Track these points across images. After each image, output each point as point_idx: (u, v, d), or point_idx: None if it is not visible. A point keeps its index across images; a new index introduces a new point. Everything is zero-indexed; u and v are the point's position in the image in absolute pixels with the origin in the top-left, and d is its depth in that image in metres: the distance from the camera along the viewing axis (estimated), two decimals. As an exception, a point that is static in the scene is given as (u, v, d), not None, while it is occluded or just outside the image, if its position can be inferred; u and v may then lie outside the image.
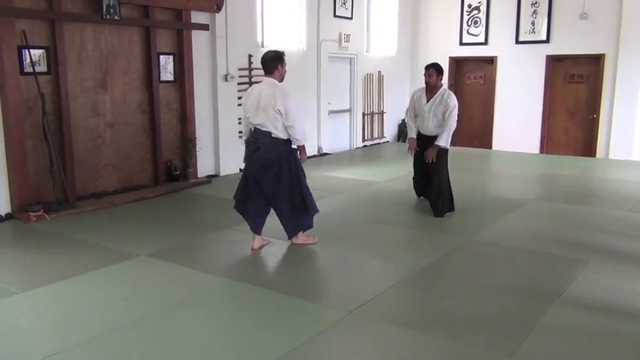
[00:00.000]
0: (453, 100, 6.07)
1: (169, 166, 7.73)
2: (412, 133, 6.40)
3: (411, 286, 4.35)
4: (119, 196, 6.90)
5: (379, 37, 11.82)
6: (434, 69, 6.12)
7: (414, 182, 6.74)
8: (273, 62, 4.82)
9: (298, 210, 4.96)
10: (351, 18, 10.84)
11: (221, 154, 8.47)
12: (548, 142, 11.57)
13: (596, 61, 10.82)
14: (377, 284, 4.33)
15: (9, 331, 3.54)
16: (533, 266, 4.71)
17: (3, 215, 6.03)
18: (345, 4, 10.62)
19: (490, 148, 12.01)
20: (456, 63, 12.41)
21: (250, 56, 8.77)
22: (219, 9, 8.06)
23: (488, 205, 6.73)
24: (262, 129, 4.78)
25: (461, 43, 12.20)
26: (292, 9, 9.64)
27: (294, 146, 4.93)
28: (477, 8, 11.89)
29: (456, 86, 12.50)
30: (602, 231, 5.68)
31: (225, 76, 8.36)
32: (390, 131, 12.63)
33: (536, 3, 11.16)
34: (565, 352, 3.28)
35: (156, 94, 7.45)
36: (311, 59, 10.04)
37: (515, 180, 8.38)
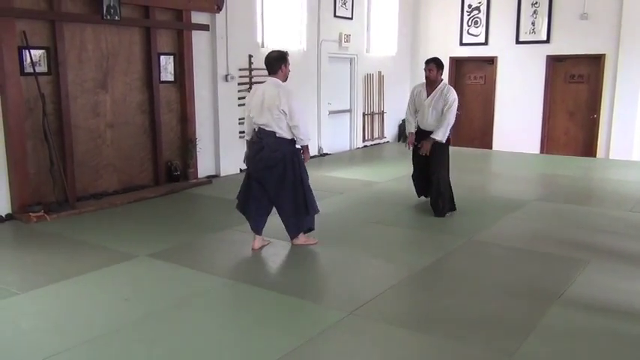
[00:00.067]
0: (453, 95, 6.05)
1: (170, 167, 7.73)
2: (411, 128, 6.39)
3: (412, 286, 4.35)
4: (119, 197, 6.91)
5: (379, 38, 11.82)
6: (434, 63, 6.12)
7: (413, 180, 6.70)
8: (277, 62, 4.83)
9: (300, 210, 4.96)
10: (352, 18, 10.84)
11: (221, 155, 8.48)
12: (549, 143, 11.57)
13: (596, 61, 10.82)
14: (377, 284, 4.33)
15: (9, 332, 3.54)
16: (534, 266, 4.71)
17: (3, 216, 6.03)
18: (345, 4, 10.62)
19: (490, 148, 12.01)
20: (456, 63, 12.41)
21: (250, 56, 8.77)
22: (219, 9, 8.06)
23: (489, 206, 6.73)
24: (267, 129, 4.78)
25: (461, 44, 12.21)
26: (292, 9, 9.64)
27: (298, 146, 4.94)
28: (477, 8, 11.89)
29: (456, 86, 12.40)
30: (603, 231, 5.68)
31: (226, 76, 8.36)
32: (391, 131, 12.63)
33: (536, 3, 11.16)
34: (565, 353, 3.28)
35: (156, 94, 7.46)
36: (311, 59, 10.04)
37: (515, 180, 8.38)
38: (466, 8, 12.03)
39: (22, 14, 5.99)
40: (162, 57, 7.52)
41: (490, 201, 7.02)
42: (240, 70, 8.62)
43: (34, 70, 6.09)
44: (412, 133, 6.37)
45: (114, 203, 6.67)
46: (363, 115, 11.68)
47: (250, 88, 8.78)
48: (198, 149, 7.99)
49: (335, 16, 10.43)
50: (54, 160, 6.22)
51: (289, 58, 4.93)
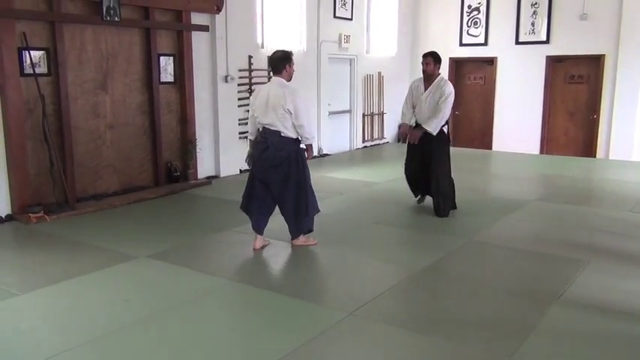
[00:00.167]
0: (449, 88, 6.03)
1: (169, 168, 7.73)
2: (405, 119, 6.35)
3: (412, 286, 4.35)
4: (119, 198, 6.91)
5: (379, 38, 11.82)
6: (431, 57, 6.11)
7: (408, 179, 6.58)
8: (281, 62, 4.84)
9: (301, 211, 4.97)
10: (351, 19, 10.85)
11: (221, 155, 8.48)
12: (549, 143, 11.57)
13: (596, 61, 10.83)
14: (377, 285, 4.33)
15: (9, 333, 3.54)
16: (534, 267, 4.71)
17: (3, 217, 6.03)
18: (345, 5, 10.63)
19: (490, 148, 12.01)
20: (456, 64, 12.42)
21: (250, 57, 8.78)
22: (219, 10, 8.06)
23: (489, 206, 6.73)
24: (271, 128, 4.79)
25: (461, 44, 12.21)
26: (292, 10, 9.65)
27: (302, 146, 4.95)
28: (477, 9, 11.90)
29: (456, 87, 12.36)
30: (602, 231, 5.68)
31: (226, 77, 8.36)
32: (390, 132, 12.63)
33: (536, 4, 11.16)
34: (565, 353, 3.28)
35: (156, 95, 7.46)
36: (311, 60, 10.04)
37: (515, 181, 8.38)
38: (466, 9, 12.04)
39: (22, 15, 5.99)
40: (162, 58, 7.53)
41: (490, 201, 7.02)
42: (240, 70, 8.62)
43: (33, 71, 6.10)
44: (406, 123, 6.33)
45: (114, 204, 6.67)
46: (363, 115, 11.68)
47: (250, 88, 8.80)
48: (198, 150, 7.99)
49: (335, 16, 10.43)
50: (54, 161, 6.23)
51: (293, 58, 4.94)
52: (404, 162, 6.57)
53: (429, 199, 6.49)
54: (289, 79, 4.89)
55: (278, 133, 4.78)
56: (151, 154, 7.55)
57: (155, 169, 7.60)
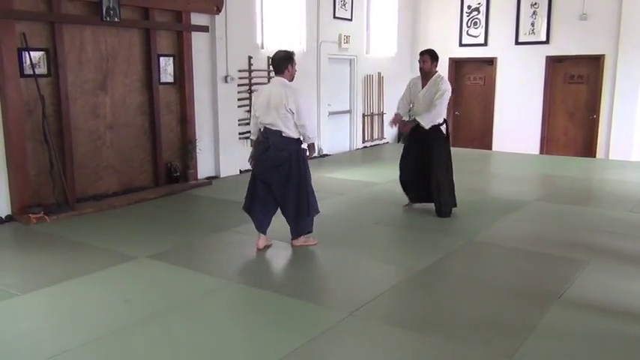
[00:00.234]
0: (445, 85, 6.00)
1: (169, 168, 7.73)
2: (398, 111, 6.34)
3: (411, 287, 4.35)
4: (119, 198, 6.91)
5: (379, 38, 11.83)
6: (428, 55, 6.10)
7: (403, 184, 6.47)
8: (284, 62, 4.84)
9: (302, 211, 4.97)
10: (351, 19, 10.85)
11: (221, 156, 8.48)
12: (548, 143, 11.57)
13: (595, 61, 10.83)
14: (377, 285, 4.33)
15: (9, 334, 3.54)
16: (534, 267, 4.71)
17: (3, 217, 6.03)
18: (344, 5, 10.63)
19: (490, 149, 12.02)
20: (456, 64, 12.42)
21: (250, 58, 8.78)
22: (218, 11, 8.06)
23: (488, 206, 6.73)
24: (273, 128, 4.80)
25: (460, 44, 12.22)
26: (292, 10, 9.65)
27: (304, 146, 4.96)
28: (477, 9, 11.90)
29: (456, 87, 12.48)
30: (602, 232, 5.68)
31: (225, 77, 8.36)
32: (390, 132, 12.62)
33: (535, 4, 11.17)
34: (565, 353, 3.28)
35: (156, 95, 7.46)
36: (311, 60, 10.04)
37: (515, 181, 8.38)
38: (465, 9, 12.04)
39: (22, 16, 5.99)
40: (161, 58, 7.53)
41: (490, 202, 7.02)
42: (239, 71, 8.62)
43: (33, 71, 6.10)
44: (399, 114, 6.30)
45: (114, 204, 6.67)
46: (363, 115, 11.68)
47: (250, 89, 8.80)
48: (197, 150, 7.99)
49: (334, 17, 10.43)
50: (54, 162, 6.23)
51: (295, 58, 4.95)
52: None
53: (423, 207, 6.44)
54: (291, 80, 4.90)
55: (279, 133, 4.78)
56: (150, 154, 7.55)
57: (155, 170, 7.60)
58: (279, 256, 5.05)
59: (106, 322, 3.66)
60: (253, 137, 5.12)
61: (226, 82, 8.38)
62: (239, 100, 8.68)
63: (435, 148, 6.03)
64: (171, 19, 7.61)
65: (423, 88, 6.12)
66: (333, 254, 5.05)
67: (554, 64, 11.30)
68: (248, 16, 8.74)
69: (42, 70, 6.24)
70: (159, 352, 3.31)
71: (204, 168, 8.27)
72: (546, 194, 7.46)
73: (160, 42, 7.46)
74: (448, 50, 12.27)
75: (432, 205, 6.27)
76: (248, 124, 8.86)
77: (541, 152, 11.50)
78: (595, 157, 10.86)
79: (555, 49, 11.13)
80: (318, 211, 5.11)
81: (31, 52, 6.08)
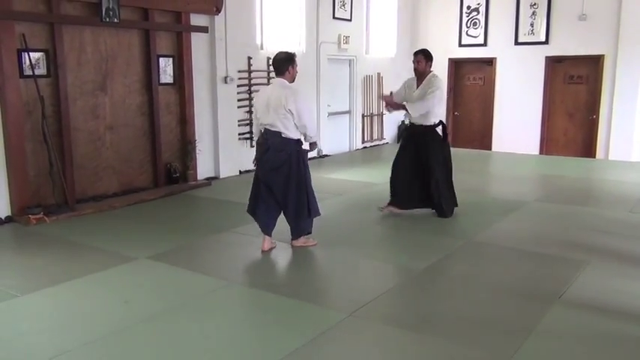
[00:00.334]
0: (438, 82, 5.95)
1: (169, 169, 7.73)
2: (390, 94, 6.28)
3: (411, 287, 4.34)
4: (119, 199, 6.91)
5: (378, 39, 11.83)
6: (422, 55, 6.06)
7: (394, 189, 6.24)
8: (285, 63, 4.85)
9: (302, 212, 4.97)
10: (350, 20, 10.85)
11: (221, 157, 8.48)
12: (548, 143, 11.57)
13: (595, 61, 10.83)
14: (377, 286, 4.33)
15: (9, 334, 3.54)
16: (534, 267, 4.71)
17: (3, 218, 6.03)
18: (344, 6, 10.63)
19: (490, 149, 12.01)
20: (456, 64, 12.42)
21: (250, 58, 8.78)
22: (218, 11, 8.06)
23: (488, 207, 6.73)
24: (272, 129, 4.81)
25: (460, 45, 12.22)
26: (291, 11, 9.65)
27: (305, 147, 4.96)
28: (476, 10, 11.90)
29: (455, 87, 12.53)
30: (602, 232, 5.68)
31: (225, 78, 8.36)
32: (390, 133, 12.63)
33: (535, 4, 11.17)
34: (565, 354, 3.28)
35: (155, 96, 7.46)
36: (310, 61, 10.04)
37: (514, 181, 8.38)
38: (465, 9, 12.04)
39: (21, 17, 5.99)
40: (161, 59, 7.53)
41: (489, 202, 7.02)
42: (239, 72, 8.62)
43: (33, 72, 6.09)
44: (392, 96, 6.21)
45: (113, 205, 6.67)
46: (363, 116, 11.68)
47: (250, 90, 8.80)
48: (197, 151, 7.99)
49: (334, 17, 10.43)
50: (53, 163, 6.23)
51: (296, 59, 4.95)
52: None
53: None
54: (292, 81, 4.90)
55: (279, 133, 4.78)
56: (150, 155, 7.55)
57: (154, 171, 7.60)
58: (279, 256, 5.04)
59: (105, 323, 3.65)
60: (256, 138, 5.13)
61: (226, 82, 8.38)
62: (239, 100, 8.68)
63: (432, 149, 5.99)
64: (171, 19, 7.61)
65: (417, 88, 6.09)
66: (333, 255, 5.04)
67: (553, 64, 11.31)
68: (247, 16, 8.74)
69: (41, 70, 6.24)
70: (159, 353, 3.30)
71: (203, 169, 8.27)
72: (546, 194, 7.46)
73: (159, 43, 7.46)
74: (448, 50, 12.28)
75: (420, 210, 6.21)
76: (247, 124, 8.89)
77: (541, 152, 11.50)
78: (595, 157, 10.86)
79: (555, 49, 11.13)
80: (318, 214, 5.11)
81: (30, 53, 6.08)
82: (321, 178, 8.14)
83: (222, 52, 8.29)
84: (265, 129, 4.86)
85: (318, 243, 5.20)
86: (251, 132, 8.89)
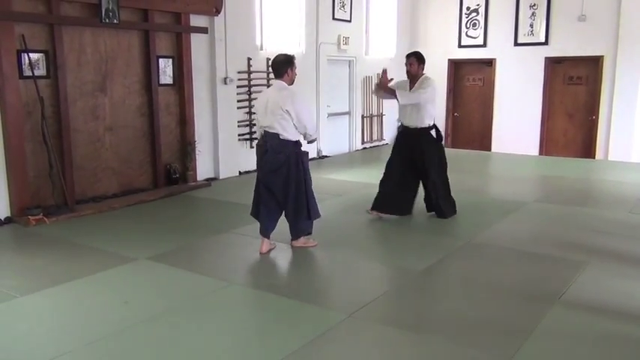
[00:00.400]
0: (431, 83, 5.90)
1: (169, 170, 7.73)
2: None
3: (411, 288, 4.34)
4: (118, 200, 6.90)
5: (378, 40, 11.83)
6: (414, 57, 6.02)
7: (384, 194, 6.10)
8: (283, 66, 4.86)
9: (301, 213, 4.97)
10: (350, 21, 10.85)
11: (220, 157, 8.48)
12: (548, 144, 11.58)
13: (594, 62, 10.83)
14: (377, 287, 4.33)
15: (9, 335, 3.54)
16: (533, 268, 4.71)
17: (2, 219, 6.02)
18: (343, 6, 10.64)
19: (489, 150, 12.01)
20: (455, 65, 12.43)
21: (249, 59, 8.78)
22: (217, 12, 8.06)
23: (488, 207, 6.73)
24: (271, 131, 4.82)
25: (460, 46, 12.22)
26: (291, 12, 9.65)
27: (305, 147, 4.97)
28: (476, 10, 11.91)
29: (455, 88, 12.53)
30: (602, 233, 5.68)
31: (225, 79, 8.36)
32: (390, 133, 12.62)
33: (534, 5, 11.17)
34: (565, 354, 3.28)
35: (155, 97, 7.46)
36: (310, 62, 10.04)
37: (514, 182, 8.38)
38: (464, 10, 12.04)
39: (21, 18, 5.99)
40: (161, 60, 7.53)
41: (489, 203, 7.02)
42: (239, 72, 8.62)
43: (32, 73, 6.10)
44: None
45: (113, 206, 6.67)
46: (362, 117, 11.68)
47: (249, 90, 8.81)
48: (197, 152, 7.99)
49: (333, 18, 10.44)
50: (53, 164, 6.23)
51: (296, 62, 4.96)
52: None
53: (422, 208, 6.37)
54: (291, 83, 4.91)
55: (277, 135, 4.79)
56: (150, 156, 7.55)
57: (154, 171, 7.60)
58: (279, 257, 5.04)
59: (105, 324, 3.65)
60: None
61: (225, 83, 8.38)
62: (238, 101, 8.68)
63: (427, 151, 5.96)
64: (171, 20, 7.61)
65: (410, 90, 6.05)
66: (333, 255, 5.04)
67: (553, 65, 11.31)
68: (247, 17, 8.74)
69: (41, 71, 6.24)
70: (159, 354, 3.30)
71: (203, 169, 8.27)
72: (546, 195, 7.46)
73: (159, 43, 7.47)
74: (447, 51, 12.29)
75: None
76: (247, 125, 8.89)
77: (540, 153, 11.50)
78: (594, 158, 10.86)
79: (554, 50, 11.14)
80: (318, 215, 5.11)
81: (30, 54, 6.08)
82: (320, 179, 8.14)
83: (222, 52, 8.29)
84: (265, 131, 4.88)
85: (318, 244, 5.20)
86: (251, 133, 8.89)
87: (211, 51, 8.22)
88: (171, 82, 7.72)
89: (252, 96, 8.79)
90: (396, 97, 5.84)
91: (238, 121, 8.72)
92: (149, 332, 3.57)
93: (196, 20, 7.88)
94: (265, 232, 5.03)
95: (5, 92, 5.88)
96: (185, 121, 7.84)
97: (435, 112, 6.13)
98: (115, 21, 6.67)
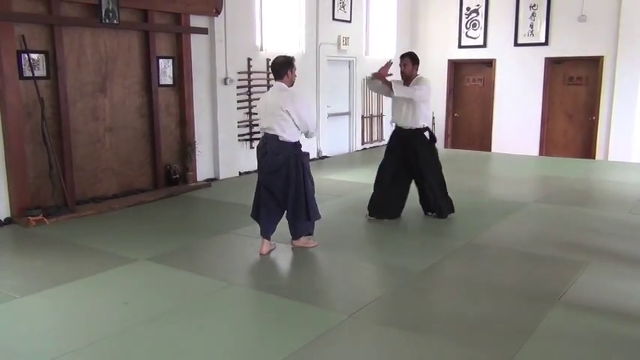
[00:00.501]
0: (424, 81, 5.87)
1: (169, 170, 7.73)
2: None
3: (411, 289, 4.34)
4: (118, 200, 6.90)
5: (378, 40, 11.83)
6: (409, 58, 5.99)
7: (378, 198, 6.09)
8: (283, 67, 4.87)
9: (301, 214, 4.97)
10: (350, 21, 10.85)
11: (220, 158, 8.47)
12: (548, 145, 11.58)
13: (594, 63, 10.84)
14: (377, 287, 4.33)
15: (9, 336, 3.54)
16: (533, 269, 4.71)
17: (2, 220, 6.02)
18: (343, 7, 10.64)
19: (489, 150, 12.02)
20: (455, 65, 12.43)
21: (249, 60, 8.78)
22: (217, 13, 8.07)
23: (488, 208, 6.73)
24: (270, 133, 4.83)
25: (460, 46, 12.22)
26: (291, 12, 9.65)
27: (304, 148, 4.97)
28: (476, 11, 11.91)
29: (455, 89, 12.53)
30: (602, 233, 5.68)
31: (225, 79, 8.36)
32: (390, 134, 12.60)
33: (534, 5, 11.17)
34: (565, 355, 3.28)
35: (155, 98, 7.46)
36: (310, 62, 10.05)
37: (514, 182, 8.38)
38: (464, 11, 12.05)
39: (21, 18, 5.99)
40: (161, 60, 7.53)
41: (489, 203, 7.02)
42: (239, 73, 8.62)
43: (32, 74, 6.10)
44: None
45: (113, 207, 6.67)
46: (362, 117, 11.68)
47: (249, 91, 8.81)
48: (197, 152, 7.99)
49: (333, 19, 10.44)
50: (53, 164, 6.23)
51: (295, 63, 4.96)
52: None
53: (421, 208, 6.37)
54: (291, 85, 4.92)
55: (276, 137, 4.80)
56: (150, 156, 7.55)
57: (154, 172, 7.60)
58: (280, 258, 5.04)
59: (105, 325, 3.65)
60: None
61: (225, 84, 8.38)
62: (238, 102, 8.68)
63: (421, 152, 5.93)
64: (171, 21, 7.61)
65: None
66: (333, 256, 5.04)
67: (553, 65, 11.31)
68: (247, 18, 8.74)
69: (41, 72, 6.24)
70: (159, 355, 3.30)
71: (203, 170, 8.27)
72: (546, 196, 7.46)
73: (159, 44, 7.47)
74: (447, 52, 12.30)
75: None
76: (247, 126, 8.89)
77: (540, 154, 11.51)
78: (594, 158, 10.86)
79: (554, 50, 11.14)
80: (318, 217, 5.11)
81: (30, 55, 6.08)
82: (320, 179, 8.13)
83: (222, 53, 8.29)
84: (265, 133, 4.90)
85: (319, 244, 5.19)
86: (251, 134, 8.90)
87: (211, 51, 8.22)
88: (172, 83, 7.72)
89: (252, 96, 8.79)
90: (391, 89, 5.79)
91: (238, 122, 8.72)
92: (149, 333, 3.57)
93: (196, 21, 7.88)
94: (265, 233, 5.03)
95: (5, 93, 5.88)
96: (185, 121, 7.84)
97: (429, 114, 6.13)
98: (115, 21, 6.67)
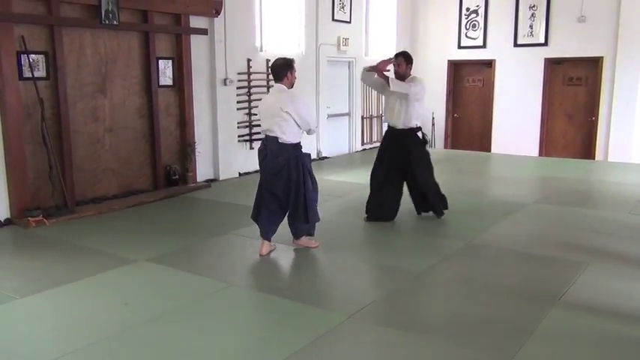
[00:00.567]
0: (418, 80, 5.86)
1: (169, 171, 7.73)
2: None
3: (411, 289, 4.34)
4: (118, 201, 6.90)
5: (378, 41, 11.83)
6: (402, 57, 5.99)
7: (373, 203, 6.11)
8: (283, 69, 4.87)
9: (299, 215, 4.97)
10: (350, 22, 10.86)
11: (220, 159, 8.47)
12: (547, 145, 11.58)
13: (594, 63, 10.85)
14: (376, 288, 4.33)
15: (9, 337, 3.54)
16: (533, 269, 4.71)
17: (2, 220, 6.02)
18: (343, 8, 10.64)
19: (489, 151, 12.02)
20: (455, 66, 12.44)
21: (249, 60, 8.78)
22: (217, 13, 8.07)
23: (488, 209, 6.73)
24: (270, 134, 4.84)
25: (459, 47, 12.23)
26: (291, 13, 9.66)
27: (305, 149, 4.98)
28: (476, 12, 11.92)
29: (454, 89, 12.54)
30: (602, 233, 5.68)
31: (225, 80, 8.36)
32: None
33: (534, 6, 11.18)
34: (565, 355, 3.28)
35: (155, 98, 7.46)
36: (310, 63, 10.05)
37: (514, 183, 8.38)
38: (464, 11, 12.06)
39: (21, 19, 5.99)
40: (160, 61, 7.53)
41: (489, 204, 7.02)
42: (238, 74, 8.62)
43: (32, 74, 6.10)
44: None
45: (113, 208, 6.67)
46: (362, 118, 11.69)
47: (249, 91, 8.81)
48: (197, 153, 7.99)
49: (333, 19, 10.44)
50: (53, 165, 6.23)
51: (295, 65, 4.96)
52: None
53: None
54: (290, 86, 4.92)
55: (276, 139, 4.80)
56: (150, 157, 7.55)
57: (154, 173, 7.60)
58: (280, 258, 5.04)
59: (106, 325, 3.65)
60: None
61: (225, 84, 8.38)
62: (238, 102, 8.68)
63: (414, 152, 5.92)
64: (170, 21, 7.61)
65: None
66: (333, 257, 5.04)
67: (552, 66, 11.32)
68: (247, 18, 8.75)
69: (41, 73, 6.24)
70: (159, 355, 3.30)
71: (203, 171, 8.27)
72: (545, 196, 7.46)
73: (158, 45, 7.47)
74: (447, 52, 12.31)
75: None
76: (247, 126, 8.90)
77: (540, 154, 11.51)
78: (594, 159, 10.87)
79: (554, 51, 11.15)
80: (317, 219, 5.12)
81: (30, 55, 6.08)
82: (320, 180, 8.06)
83: (222, 54, 8.30)
84: (265, 135, 4.91)
85: (320, 245, 5.19)
86: (251, 134, 8.90)
87: (211, 52, 8.22)
88: (171, 84, 7.72)
89: (252, 97, 8.80)
90: (387, 83, 5.75)
91: (238, 123, 8.72)
92: (149, 333, 3.57)
93: (196, 21, 7.89)
94: (266, 235, 5.03)
95: (5, 94, 5.88)
96: (185, 122, 7.84)
97: (422, 113, 6.11)
98: (115, 22, 6.68)
